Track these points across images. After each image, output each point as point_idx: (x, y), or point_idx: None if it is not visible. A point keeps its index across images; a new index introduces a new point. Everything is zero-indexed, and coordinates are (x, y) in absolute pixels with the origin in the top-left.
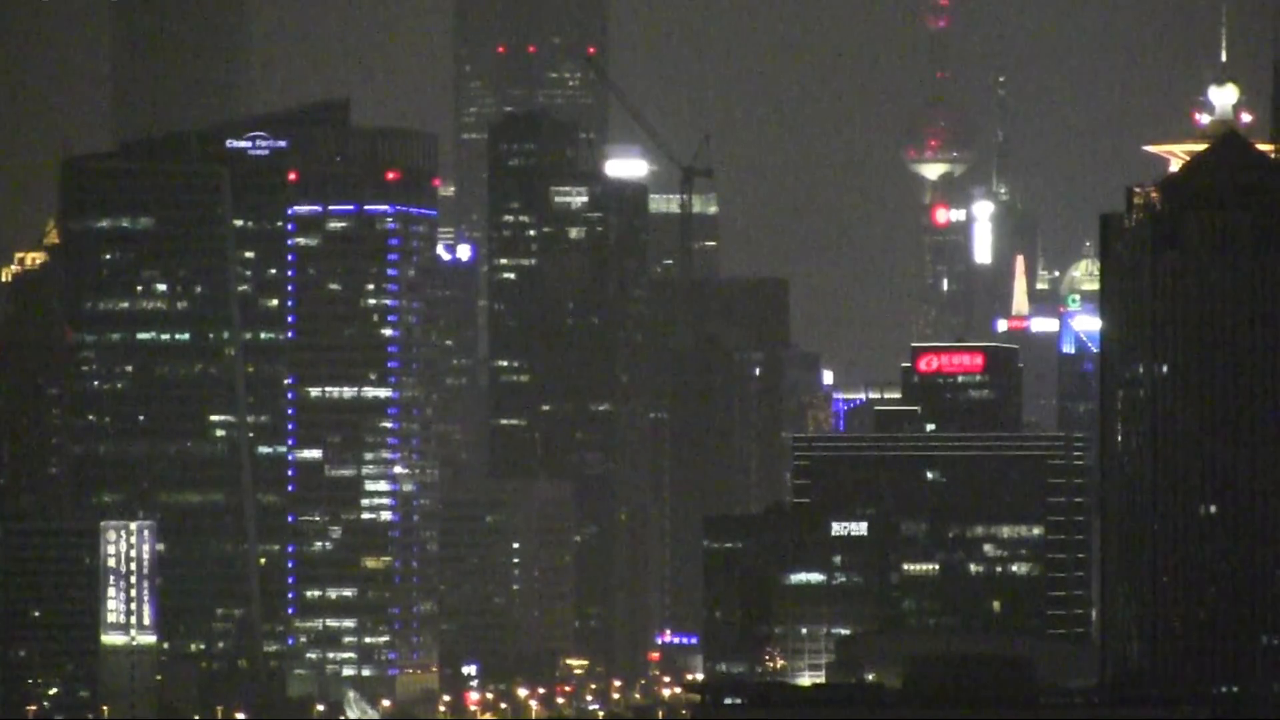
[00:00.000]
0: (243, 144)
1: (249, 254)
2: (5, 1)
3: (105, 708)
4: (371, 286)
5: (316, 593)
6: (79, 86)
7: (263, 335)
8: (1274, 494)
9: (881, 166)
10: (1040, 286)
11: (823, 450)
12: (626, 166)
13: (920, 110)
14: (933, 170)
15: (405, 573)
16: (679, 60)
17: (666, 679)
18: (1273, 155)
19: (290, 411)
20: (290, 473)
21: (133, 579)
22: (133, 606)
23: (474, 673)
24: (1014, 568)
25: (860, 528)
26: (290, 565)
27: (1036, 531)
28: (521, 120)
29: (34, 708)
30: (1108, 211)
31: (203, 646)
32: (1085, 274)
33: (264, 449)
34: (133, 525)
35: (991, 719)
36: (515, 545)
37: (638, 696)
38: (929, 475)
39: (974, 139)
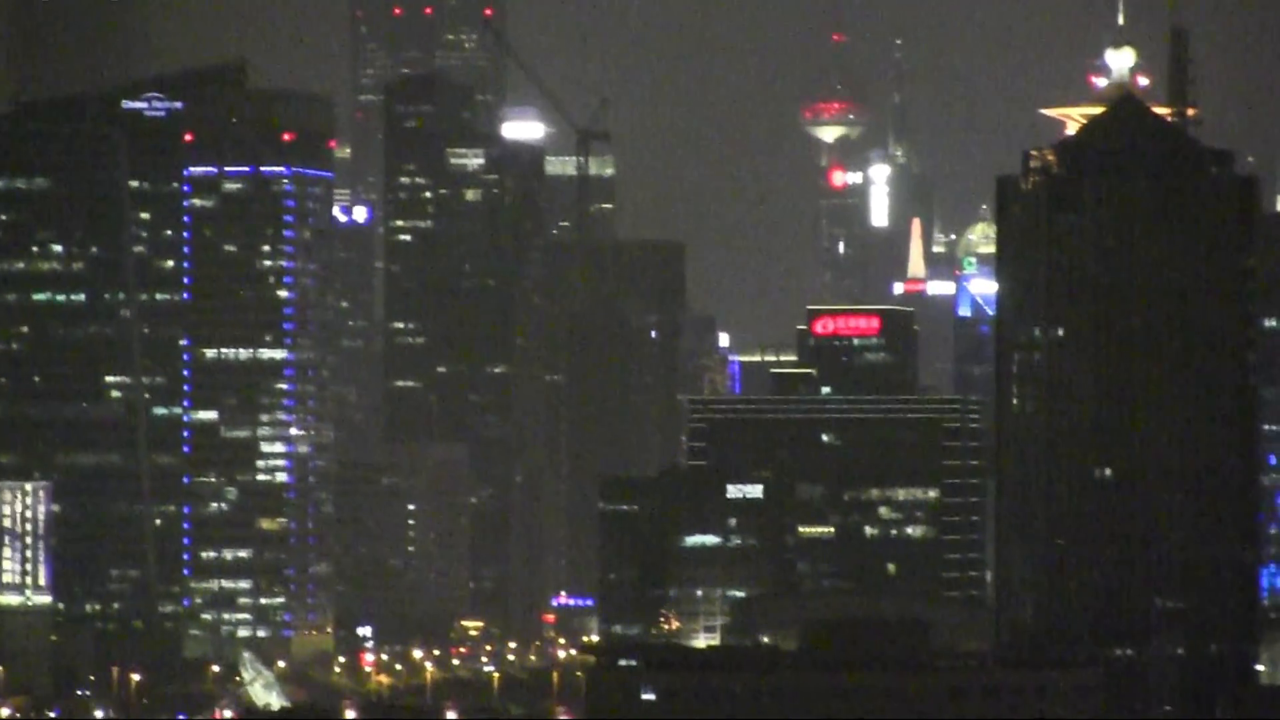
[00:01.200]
0: (139, 105)
1: (145, 215)
2: None
3: (1, 668)
4: (267, 248)
5: (212, 554)
6: None
7: (158, 296)
8: (1168, 458)
9: (778, 129)
10: (936, 250)
11: (719, 413)
12: (523, 129)
13: (817, 73)
14: (829, 133)
15: (301, 534)
16: (576, 23)
17: (562, 641)
18: (1169, 118)
19: (186, 373)
20: (186, 434)
21: (28, 540)
22: (28, 567)
23: (369, 634)
24: (909, 530)
25: (756, 490)
26: (186, 526)
27: (932, 494)
28: (418, 82)
29: None
30: (1004, 174)
31: (98, 607)
32: (981, 237)
33: (160, 410)
34: (28, 486)
35: (887, 682)
36: (411, 507)
37: (533, 658)
38: (825, 438)
39: (871, 102)
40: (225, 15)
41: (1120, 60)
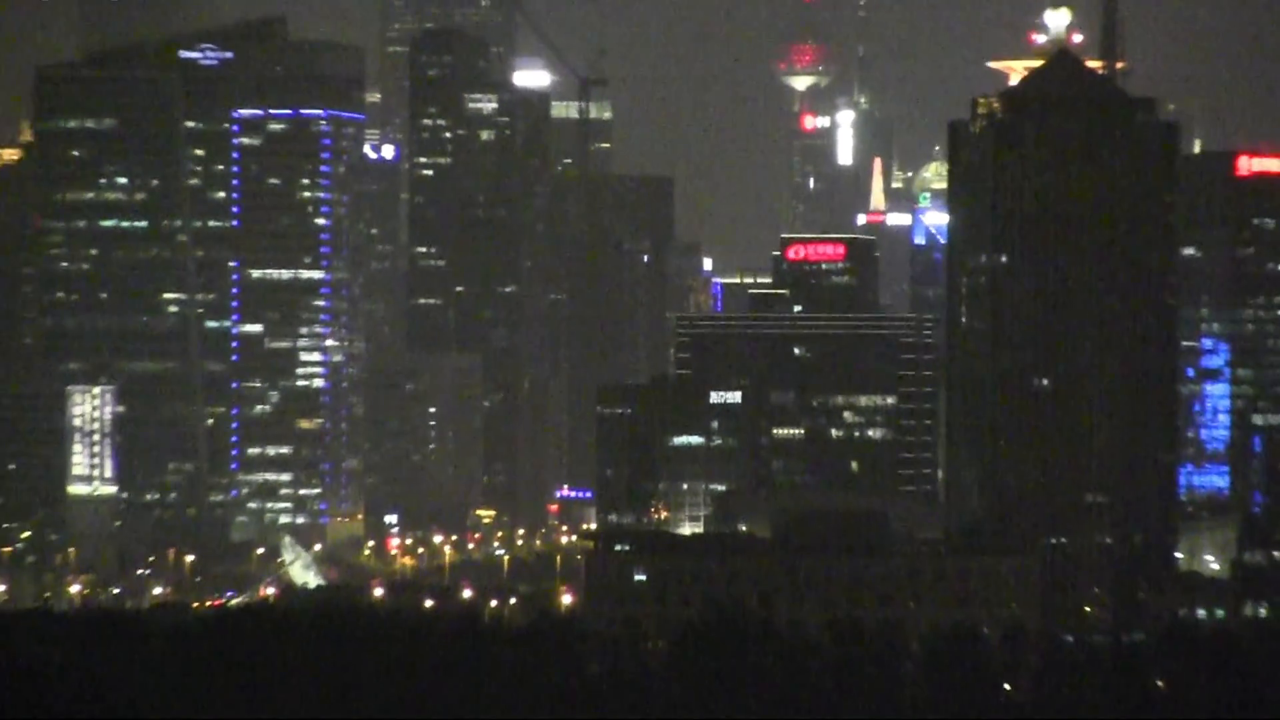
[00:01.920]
0: (193, 55)
1: (198, 152)
2: None
3: (71, 550)
4: (306, 181)
5: (256, 450)
6: (48, 2)
7: (210, 223)
8: (1097, 369)
9: (756, 78)
10: (895, 185)
11: (702, 328)
12: (531, 77)
13: (792, 24)
14: (801, 82)
15: (334, 433)
16: None
17: (564, 528)
18: (1100, 71)
19: (234, 291)
20: (234, 344)
21: (95, 437)
22: (95, 461)
23: (394, 521)
24: (870, 433)
25: (735, 397)
26: (233, 426)
27: (890, 401)
28: (439, 36)
29: (9, 549)
30: (955, 119)
31: (156, 497)
32: (935, 174)
33: (211, 323)
34: (95, 390)
35: (849, 566)
36: (431, 410)
37: (538, 543)
38: (796, 351)
39: (837, 55)
40: None
41: (1057, 19)
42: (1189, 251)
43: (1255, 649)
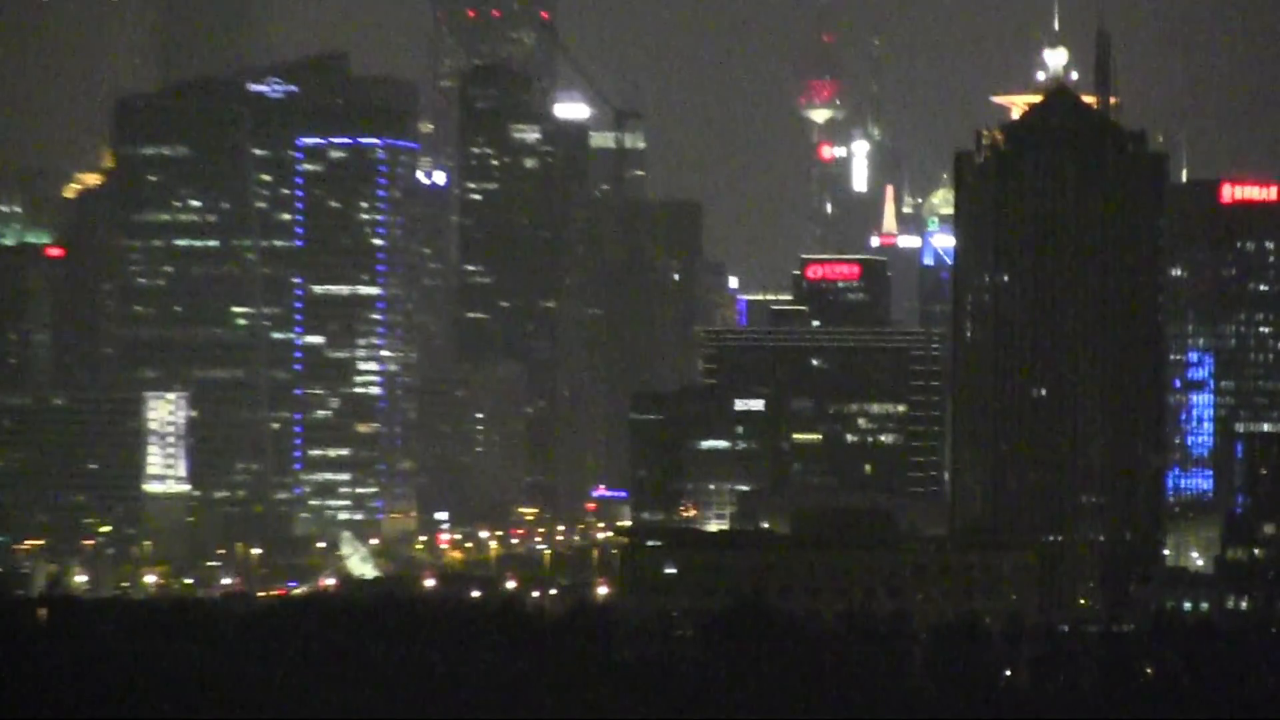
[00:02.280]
0: (261, 88)
1: (265, 177)
2: None
3: (147, 543)
4: (364, 204)
5: (317, 452)
6: (127, 37)
7: (276, 243)
8: (1091, 380)
9: (778, 112)
10: (906, 210)
11: (727, 341)
12: (571, 110)
13: (811, 63)
14: (820, 115)
15: (389, 436)
16: (615, 21)
17: (600, 525)
18: (1094, 106)
19: (298, 305)
20: (297, 355)
21: (169, 439)
22: (169, 462)
23: (444, 518)
24: (882, 438)
25: (758, 404)
26: (297, 430)
27: (900, 408)
28: (487, 71)
29: (90, 542)
30: (961, 150)
31: (226, 494)
32: (942, 200)
33: (276, 335)
34: (170, 396)
35: (862, 560)
36: (478, 415)
37: (576, 539)
38: (814, 362)
39: (853, 90)
40: (331, 13)
41: (1055, 58)
42: (1176, 272)
43: (1237, 639)
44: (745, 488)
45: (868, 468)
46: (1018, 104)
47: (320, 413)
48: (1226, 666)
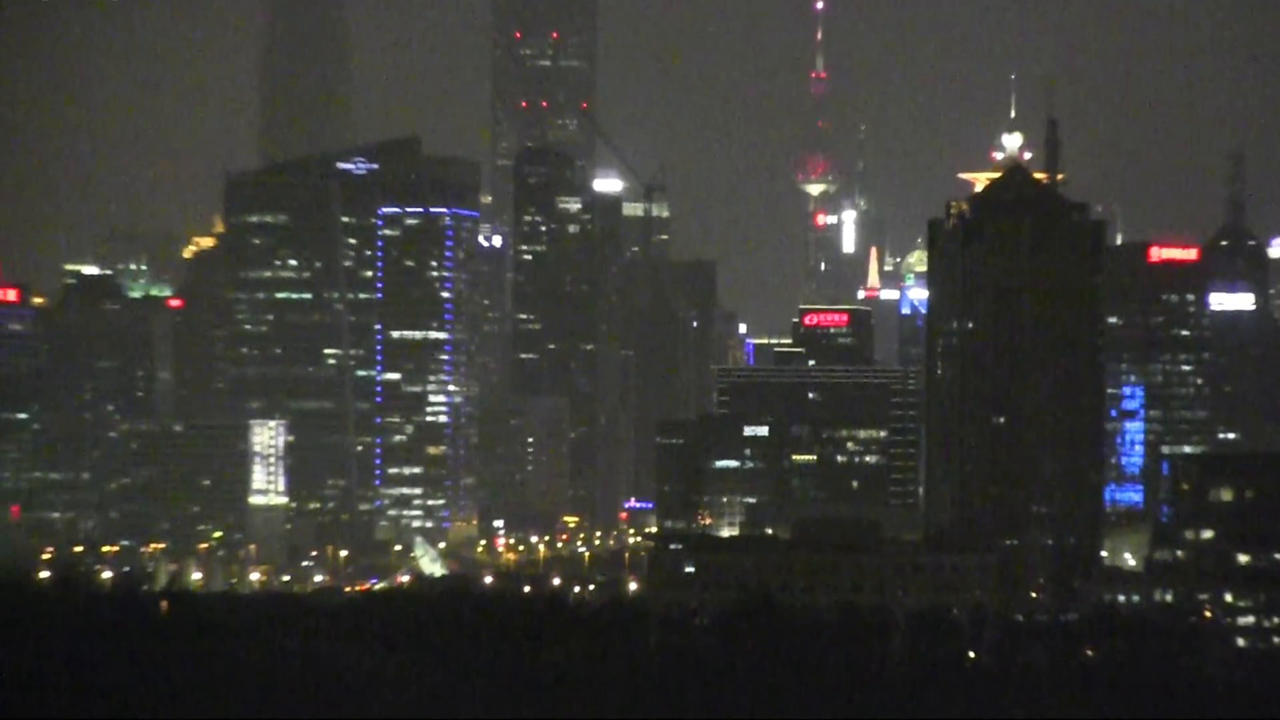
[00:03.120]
0: (347, 165)
1: (351, 240)
2: (178, 59)
3: (251, 546)
4: (434, 264)
5: (395, 470)
6: (233, 123)
7: (360, 295)
8: (1042, 411)
9: (780, 186)
10: (887, 268)
11: (738, 377)
12: (607, 184)
13: (807, 143)
14: (815, 188)
15: (455, 457)
16: (644, 111)
17: (631, 531)
18: (1044, 182)
19: (378, 347)
20: (378, 389)
21: (270, 459)
22: (270, 478)
23: (500, 525)
24: (867, 458)
25: (763, 430)
26: (377, 451)
27: (882, 434)
28: (537, 152)
29: (204, 545)
30: (933, 218)
31: (317, 505)
32: (918, 260)
33: (360, 373)
34: (271, 423)
35: (850, 561)
36: (529, 440)
37: (611, 542)
38: (810, 395)
39: (843, 168)
40: (404, 101)
41: (1011, 141)
42: (1112, 320)
43: (1164, 627)
44: (752, 500)
45: (855, 483)
46: (980, 179)
47: (397, 437)
48: (1155, 650)
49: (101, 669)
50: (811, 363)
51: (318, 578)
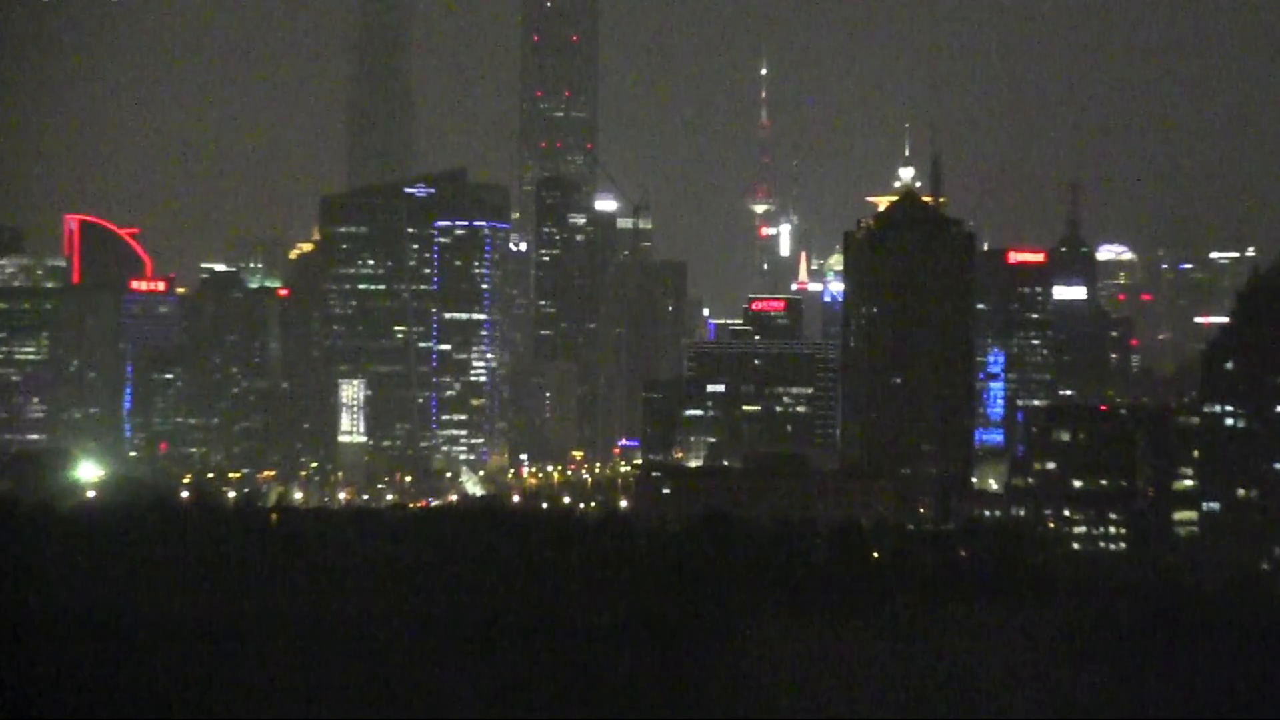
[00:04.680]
0: (412, 190)
1: (415, 246)
2: (283, 105)
3: (340, 473)
4: (476, 263)
5: (446, 417)
6: (326, 155)
7: (421, 287)
8: (928, 374)
9: (734, 206)
10: (814, 268)
11: (703, 349)
12: (606, 204)
13: (754, 175)
14: (760, 208)
15: (491, 408)
16: (634, 149)
17: (623, 462)
18: (931, 203)
19: (435, 326)
20: (434, 356)
21: (354, 408)
22: (353, 422)
23: (525, 458)
24: (798, 409)
25: (721, 387)
26: (433, 403)
27: (809, 391)
28: (552, 180)
29: (304, 473)
30: (848, 230)
31: (389, 443)
32: (836, 261)
33: (421, 344)
34: (354, 382)
35: (786, 486)
36: (547, 395)
37: (608, 471)
38: (756, 362)
39: (781, 192)
40: (455, 139)
41: (906, 172)
42: (980, 306)
43: (1019, 534)
44: (713, 439)
45: (789, 428)
46: (883, 201)
47: (448, 392)
48: (1012, 551)
49: (227, 562)
50: (757, 338)
51: (388, 497)
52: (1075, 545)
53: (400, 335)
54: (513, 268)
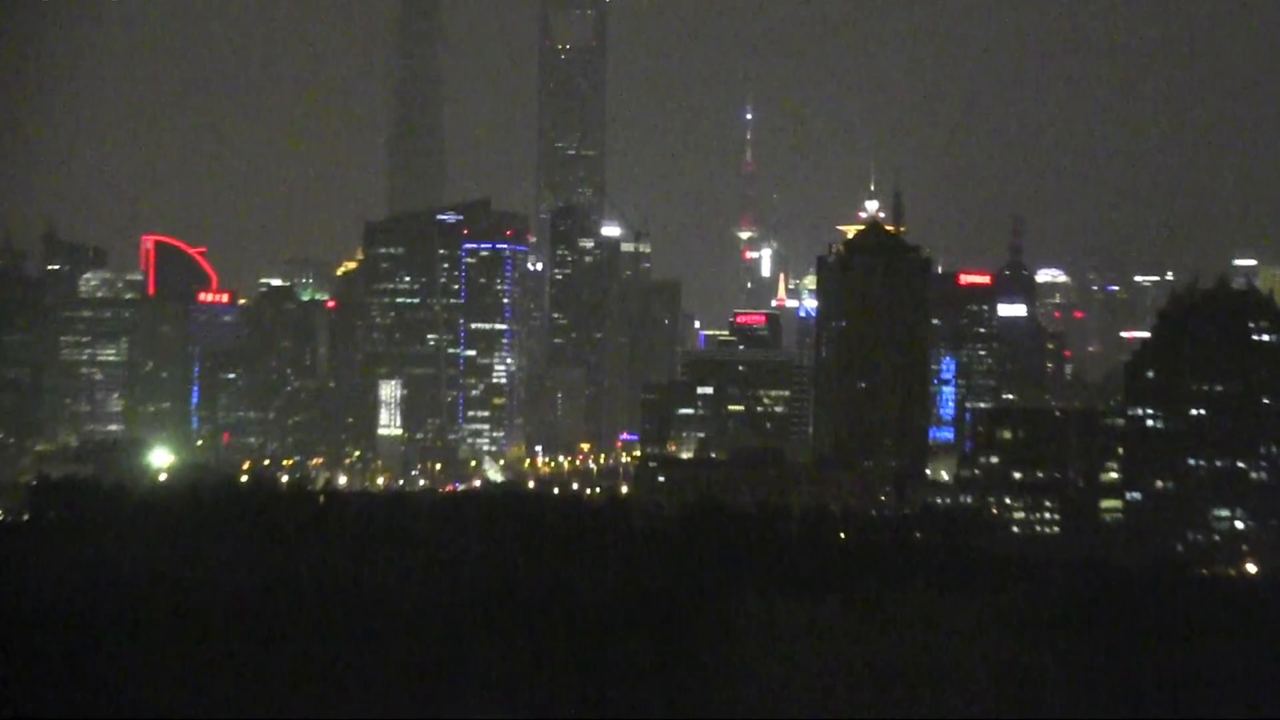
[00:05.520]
0: (443, 216)
1: (445, 265)
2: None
3: (379, 461)
4: (499, 281)
5: (472, 413)
6: (368, 185)
7: (450, 300)
8: (890, 378)
9: (723, 234)
10: (791, 287)
11: (694, 356)
12: (611, 230)
13: (740, 206)
14: (744, 235)
15: (510, 405)
16: (635, 185)
17: (624, 454)
18: (893, 232)
19: (462, 334)
20: (461, 361)
21: (392, 405)
22: (391, 417)
23: (539, 449)
24: (777, 408)
25: (710, 390)
26: (461, 402)
27: (787, 393)
28: (565, 210)
29: (348, 460)
30: (821, 255)
31: (422, 436)
32: (811, 282)
33: (450, 350)
34: (391, 383)
35: (765, 476)
36: (559, 395)
37: (611, 461)
38: (740, 368)
39: (764, 221)
40: (481, 170)
41: (872, 205)
42: (935, 321)
43: (966, 519)
44: (702, 434)
45: (769, 425)
46: (851, 230)
47: (474, 392)
48: (960, 533)
49: (282, 536)
50: (741, 347)
51: (421, 482)
52: (1015, 529)
53: (432, 342)
54: (530, 285)
